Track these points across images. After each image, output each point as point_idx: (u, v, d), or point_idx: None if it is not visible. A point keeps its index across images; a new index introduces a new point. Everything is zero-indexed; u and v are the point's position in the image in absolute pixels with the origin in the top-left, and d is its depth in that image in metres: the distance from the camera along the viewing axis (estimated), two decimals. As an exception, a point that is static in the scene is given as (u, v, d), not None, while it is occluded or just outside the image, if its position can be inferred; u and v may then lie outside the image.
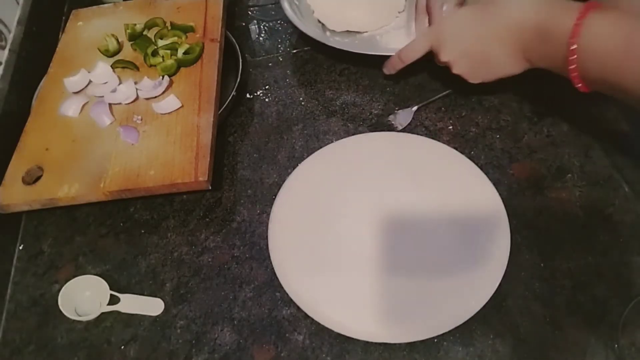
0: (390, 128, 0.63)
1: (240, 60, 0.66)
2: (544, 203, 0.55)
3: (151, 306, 0.53)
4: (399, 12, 0.71)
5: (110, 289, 0.53)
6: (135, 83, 0.64)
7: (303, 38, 0.73)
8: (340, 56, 0.67)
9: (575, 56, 0.48)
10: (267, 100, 0.68)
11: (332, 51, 0.66)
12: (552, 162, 0.58)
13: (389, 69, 0.64)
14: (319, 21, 0.70)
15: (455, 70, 0.58)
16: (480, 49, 0.56)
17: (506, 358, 0.47)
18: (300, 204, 0.56)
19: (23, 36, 0.70)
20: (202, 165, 0.55)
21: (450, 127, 0.62)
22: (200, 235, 0.57)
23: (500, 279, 0.49)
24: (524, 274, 0.51)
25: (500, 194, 0.54)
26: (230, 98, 0.62)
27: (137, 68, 0.66)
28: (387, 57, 0.64)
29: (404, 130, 0.62)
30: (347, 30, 0.69)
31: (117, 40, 0.69)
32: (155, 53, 0.66)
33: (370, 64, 0.67)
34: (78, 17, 0.74)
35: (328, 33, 0.70)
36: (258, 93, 0.69)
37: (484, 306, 0.48)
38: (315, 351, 0.49)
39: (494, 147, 0.60)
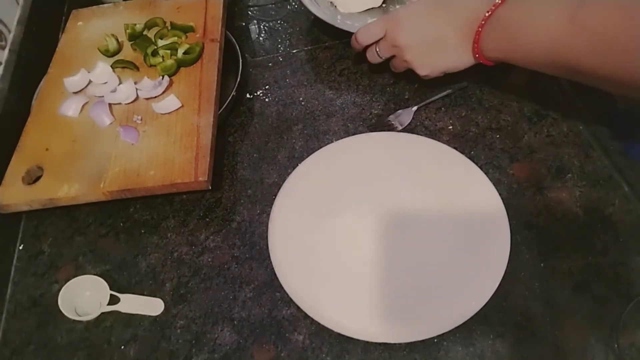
0: (390, 128, 0.62)
1: (240, 60, 0.66)
2: (544, 203, 0.55)
3: (151, 306, 0.53)
4: None
5: (110, 289, 0.53)
6: (135, 83, 0.64)
7: (316, 24, 0.74)
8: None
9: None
10: (267, 100, 0.68)
11: (344, 37, 0.68)
12: (552, 162, 0.58)
13: (353, 47, 0.65)
14: (332, 3, 0.72)
15: (408, 55, 0.59)
16: (435, 34, 0.57)
17: (506, 358, 0.47)
18: (300, 204, 0.56)
19: (23, 36, 0.70)
20: (202, 165, 0.55)
21: (450, 127, 0.62)
22: (200, 235, 0.57)
23: (500, 279, 0.49)
24: (524, 274, 0.51)
25: (500, 194, 0.54)
26: (230, 98, 0.62)
27: (137, 68, 0.66)
28: None
29: (404, 130, 0.62)
30: (358, 13, 0.72)
31: (117, 40, 0.69)
32: (155, 53, 0.66)
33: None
34: (78, 17, 0.74)
35: (339, 17, 0.71)
36: (258, 93, 0.69)
37: (484, 306, 0.48)
38: (315, 351, 0.49)
39: (494, 147, 0.60)
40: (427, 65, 0.59)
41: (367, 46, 0.63)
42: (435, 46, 0.58)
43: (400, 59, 0.60)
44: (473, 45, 0.56)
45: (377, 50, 0.62)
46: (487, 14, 0.53)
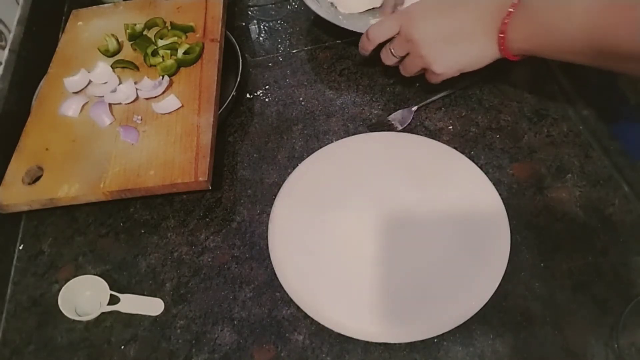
0: (390, 128, 0.62)
1: (240, 60, 0.66)
2: (544, 203, 0.55)
3: (151, 306, 0.53)
4: None
5: (110, 289, 0.53)
6: (135, 83, 0.64)
7: (316, 24, 0.74)
8: (352, 47, 0.69)
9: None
10: (267, 100, 0.68)
11: (344, 37, 0.69)
12: (552, 162, 0.58)
13: (361, 50, 0.63)
14: (332, 4, 0.72)
15: (424, 51, 0.55)
16: (453, 27, 0.54)
17: (506, 358, 0.47)
18: (300, 204, 0.56)
19: (23, 36, 0.70)
20: (202, 165, 0.55)
21: (450, 127, 0.62)
22: (200, 235, 0.57)
23: (500, 279, 0.49)
24: (524, 274, 0.51)
25: (500, 194, 0.54)
26: (230, 98, 0.62)
27: (137, 68, 0.66)
28: None
29: (404, 130, 0.62)
30: (359, 14, 0.72)
31: (117, 40, 0.69)
32: (155, 53, 0.66)
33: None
34: (78, 17, 0.74)
35: (340, 18, 0.71)
36: (258, 93, 0.69)
37: (484, 306, 0.48)
38: (315, 351, 0.49)
39: (494, 147, 0.60)
40: (444, 61, 0.56)
41: (378, 48, 0.61)
42: (454, 40, 0.54)
43: (415, 56, 0.57)
44: (498, 37, 0.52)
45: (391, 49, 0.59)
46: (516, 1, 0.50)
